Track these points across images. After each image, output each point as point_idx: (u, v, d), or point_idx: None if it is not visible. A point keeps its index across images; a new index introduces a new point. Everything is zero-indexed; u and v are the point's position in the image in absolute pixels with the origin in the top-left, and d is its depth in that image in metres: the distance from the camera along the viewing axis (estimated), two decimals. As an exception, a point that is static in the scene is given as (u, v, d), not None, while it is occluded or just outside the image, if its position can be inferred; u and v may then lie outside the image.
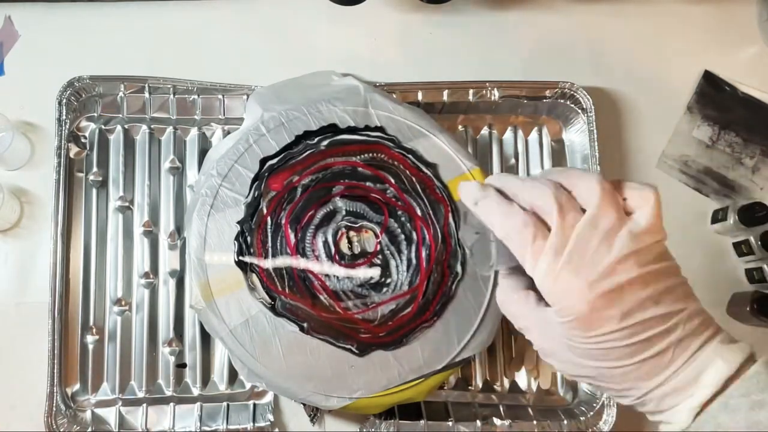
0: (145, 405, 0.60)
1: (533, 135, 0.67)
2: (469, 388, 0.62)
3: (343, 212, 0.57)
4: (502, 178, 0.39)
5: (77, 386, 0.60)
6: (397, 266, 0.56)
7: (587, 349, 0.35)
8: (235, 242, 0.55)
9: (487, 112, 0.67)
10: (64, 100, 0.61)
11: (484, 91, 0.65)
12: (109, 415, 0.60)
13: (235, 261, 0.55)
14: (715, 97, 0.69)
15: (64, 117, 0.61)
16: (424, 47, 0.69)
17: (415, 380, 0.54)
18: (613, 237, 0.34)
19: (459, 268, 0.56)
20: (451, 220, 0.57)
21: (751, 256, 0.65)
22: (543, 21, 0.70)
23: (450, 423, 0.59)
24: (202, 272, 0.54)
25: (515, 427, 0.59)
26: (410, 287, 0.56)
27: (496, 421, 0.59)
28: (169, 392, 0.61)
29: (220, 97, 0.64)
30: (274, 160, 0.57)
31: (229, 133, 0.64)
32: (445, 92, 0.65)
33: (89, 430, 0.59)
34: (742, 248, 0.65)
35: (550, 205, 0.35)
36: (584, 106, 0.65)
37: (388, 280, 0.56)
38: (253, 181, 0.56)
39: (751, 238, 0.64)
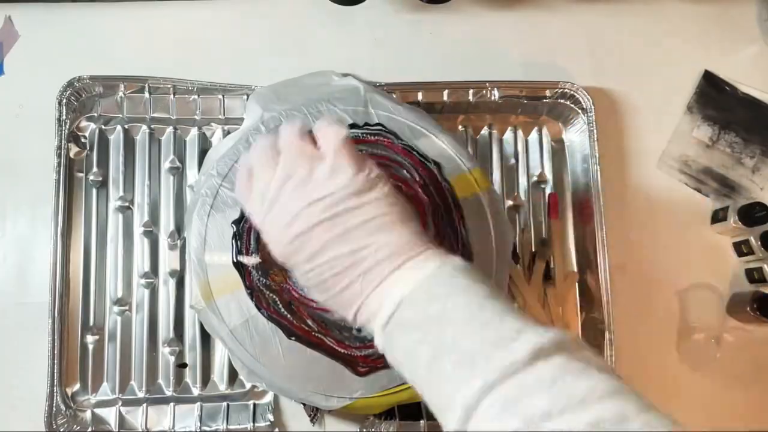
0: (145, 405, 0.60)
1: (533, 135, 0.67)
2: None
3: None
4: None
5: (77, 386, 0.60)
6: None
7: (301, 284, 0.41)
8: (233, 242, 0.55)
9: (487, 111, 0.67)
10: (64, 100, 0.61)
11: (484, 91, 0.65)
12: (109, 415, 0.60)
13: (233, 262, 0.54)
14: (715, 97, 0.69)
15: (64, 117, 0.61)
16: (424, 47, 0.69)
17: None
18: (304, 186, 0.38)
19: None
20: (458, 223, 0.56)
21: (751, 256, 0.65)
22: (543, 21, 0.70)
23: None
24: (202, 272, 0.54)
25: None
26: None
27: None
28: (169, 392, 0.61)
29: (220, 97, 0.64)
30: None
31: (229, 132, 0.64)
32: (445, 92, 0.65)
33: (89, 430, 0.59)
34: (742, 248, 0.65)
35: (260, 160, 0.40)
36: (584, 106, 0.65)
37: None
38: None
39: (751, 238, 0.64)
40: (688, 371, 0.64)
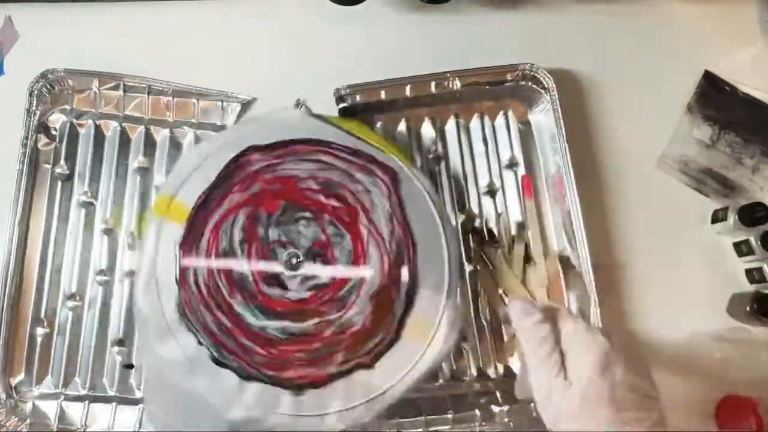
0: (86, 402, 0.60)
1: (499, 119, 0.66)
2: (464, 378, 0.61)
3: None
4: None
5: (21, 377, 0.60)
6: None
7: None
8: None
9: (451, 102, 0.66)
10: (36, 92, 0.61)
11: (445, 82, 0.64)
12: (50, 408, 0.59)
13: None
14: (715, 97, 0.69)
15: (33, 108, 0.61)
16: (424, 47, 0.68)
17: None
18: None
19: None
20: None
21: (751, 256, 0.64)
22: (544, 22, 0.69)
23: (449, 415, 0.59)
24: (173, 189, 0.54)
25: (513, 412, 0.59)
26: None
27: (494, 408, 0.59)
28: (112, 392, 0.60)
29: (195, 101, 0.64)
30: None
31: (199, 139, 0.64)
32: (408, 87, 0.64)
33: (28, 422, 0.59)
34: (742, 248, 0.65)
35: None
36: (546, 86, 0.64)
37: None
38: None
39: (751, 238, 0.63)
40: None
